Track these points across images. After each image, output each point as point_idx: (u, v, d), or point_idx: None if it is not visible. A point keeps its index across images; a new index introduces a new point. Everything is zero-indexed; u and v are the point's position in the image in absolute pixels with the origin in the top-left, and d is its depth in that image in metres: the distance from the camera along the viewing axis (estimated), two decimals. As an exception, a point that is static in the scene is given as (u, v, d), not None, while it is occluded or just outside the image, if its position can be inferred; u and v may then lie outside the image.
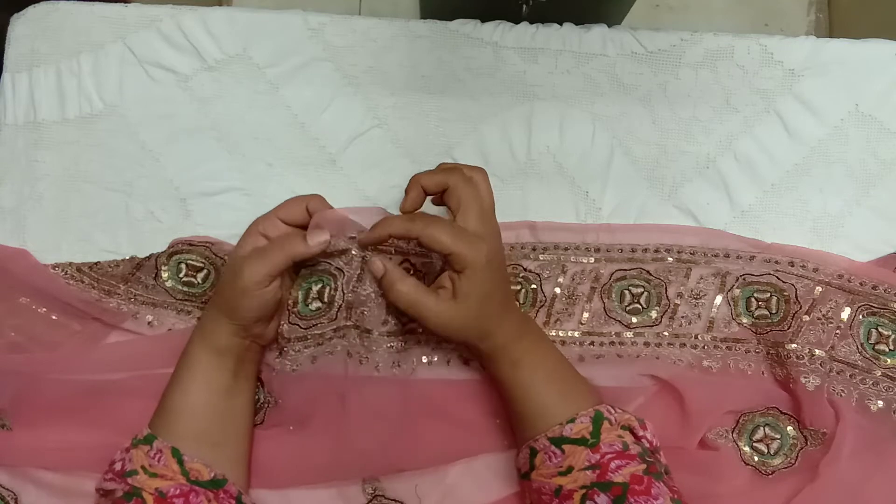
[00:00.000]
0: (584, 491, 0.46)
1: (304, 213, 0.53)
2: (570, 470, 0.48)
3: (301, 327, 0.54)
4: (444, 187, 0.51)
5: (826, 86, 0.65)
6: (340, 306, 0.54)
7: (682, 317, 0.60)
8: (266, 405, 0.58)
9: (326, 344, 0.55)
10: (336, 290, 0.53)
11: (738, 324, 0.60)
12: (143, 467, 0.48)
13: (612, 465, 0.47)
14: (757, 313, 0.60)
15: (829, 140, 0.64)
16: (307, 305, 0.54)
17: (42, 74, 0.65)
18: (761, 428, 0.58)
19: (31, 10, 0.66)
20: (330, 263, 0.53)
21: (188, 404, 0.52)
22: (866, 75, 0.65)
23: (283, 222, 0.53)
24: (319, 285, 0.54)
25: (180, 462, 0.49)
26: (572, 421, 0.49)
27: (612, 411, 0.50)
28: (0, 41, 0.66)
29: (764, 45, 0.65)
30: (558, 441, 0.49)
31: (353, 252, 0.53)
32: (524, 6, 0.70)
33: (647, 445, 0.50)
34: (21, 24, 0.66)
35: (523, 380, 0.52)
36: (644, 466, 0.47)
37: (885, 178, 0.64)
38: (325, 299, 0.54)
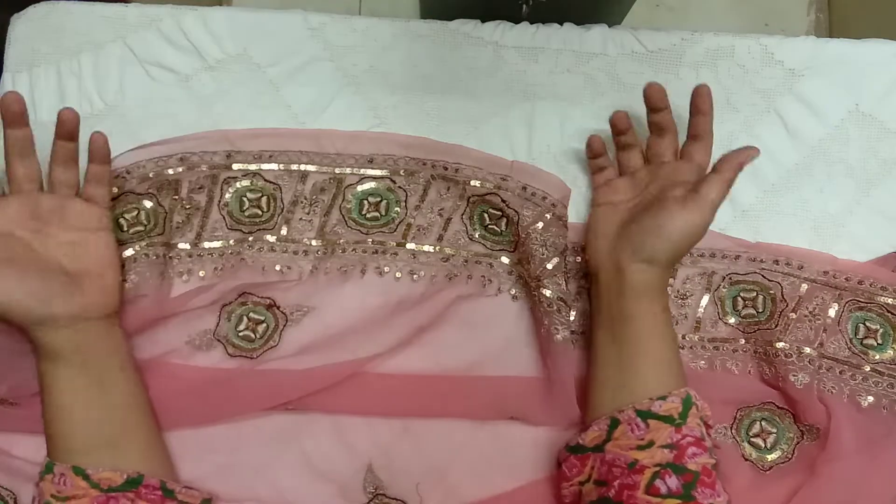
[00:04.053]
0: (656, 469, 0.47)
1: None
2: (650, 444, 0.48)
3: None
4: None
5: (826, 86, 0.65)
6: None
7: None
8: (280, 325, 0.58)
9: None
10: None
11: (725, 323, 0.60)
12: (53, 496, 0.48)
13: (690, 450, 0.48)
14: (744, 312, 0.60)
15: (829, 140, 0.64)
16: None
17: (42, 74, 0.65)
18: (758, 422, 0.58)
19: (31, 10, 0.66)
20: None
21: (66, 419, 0.50)
22: (866, 75, 0.65)
23: None
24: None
25: (86, 477, 0.48)
26: (663, 398, 0.50)
27: (698, 398, 0.51)
28: (0, 41, 0.66)
29: (764, 44, 0.65)
30: (645, 414, 0.50)
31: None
32: (524, 6, 0.70)
33: (713, 441, 0.51)
34: (21, 24, 0.66)
35: (643, 333, 0.52)
36: (713, 461, 0.48)
37: (885, 178, 0.64)
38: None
